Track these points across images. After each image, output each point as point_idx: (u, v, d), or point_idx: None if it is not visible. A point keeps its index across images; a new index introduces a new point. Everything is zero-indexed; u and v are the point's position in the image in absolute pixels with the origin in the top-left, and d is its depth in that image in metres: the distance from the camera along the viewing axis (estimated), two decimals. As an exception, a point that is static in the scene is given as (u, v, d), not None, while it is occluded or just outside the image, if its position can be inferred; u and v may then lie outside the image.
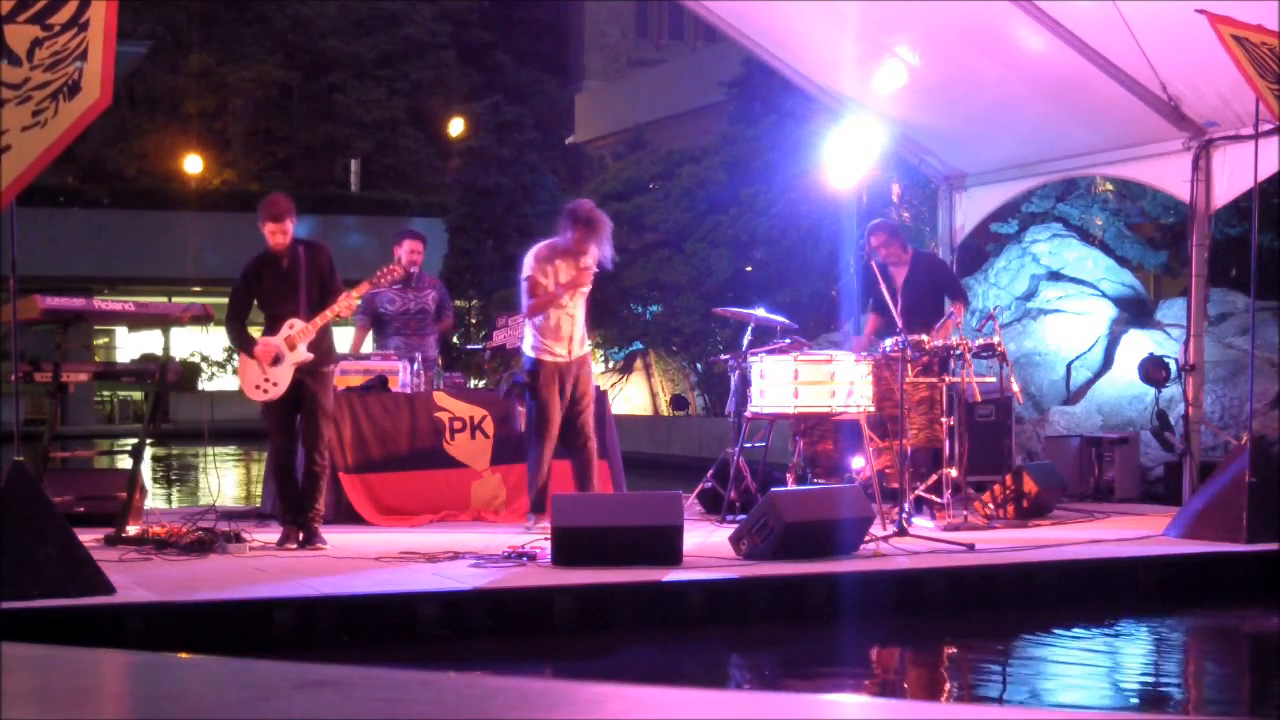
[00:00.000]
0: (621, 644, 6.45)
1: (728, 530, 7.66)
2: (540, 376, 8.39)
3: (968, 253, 12.79)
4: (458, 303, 25.68)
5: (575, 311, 8.47)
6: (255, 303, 7.93)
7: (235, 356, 32.89)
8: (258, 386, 7.74)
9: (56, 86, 5.95)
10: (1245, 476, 7.89)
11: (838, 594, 6.83)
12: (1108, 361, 12.85)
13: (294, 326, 7.71)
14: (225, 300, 8.14)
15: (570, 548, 6.89)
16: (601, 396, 9.94)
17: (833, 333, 15.55)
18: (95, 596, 5.96)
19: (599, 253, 8.47)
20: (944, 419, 8.39)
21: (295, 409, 7.81)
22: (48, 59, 5.92)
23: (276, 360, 7.70)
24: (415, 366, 9.37)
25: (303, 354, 7.71)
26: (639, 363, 22.28)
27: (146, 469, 8.79)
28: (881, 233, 9.34)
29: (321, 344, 7.82)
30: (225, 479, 15.96)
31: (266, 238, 7.76)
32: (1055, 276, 13.60)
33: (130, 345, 31.97)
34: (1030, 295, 13.59)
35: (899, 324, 8.36)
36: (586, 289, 8.52)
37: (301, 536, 7.72)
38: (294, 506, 7.78)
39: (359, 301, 8.24)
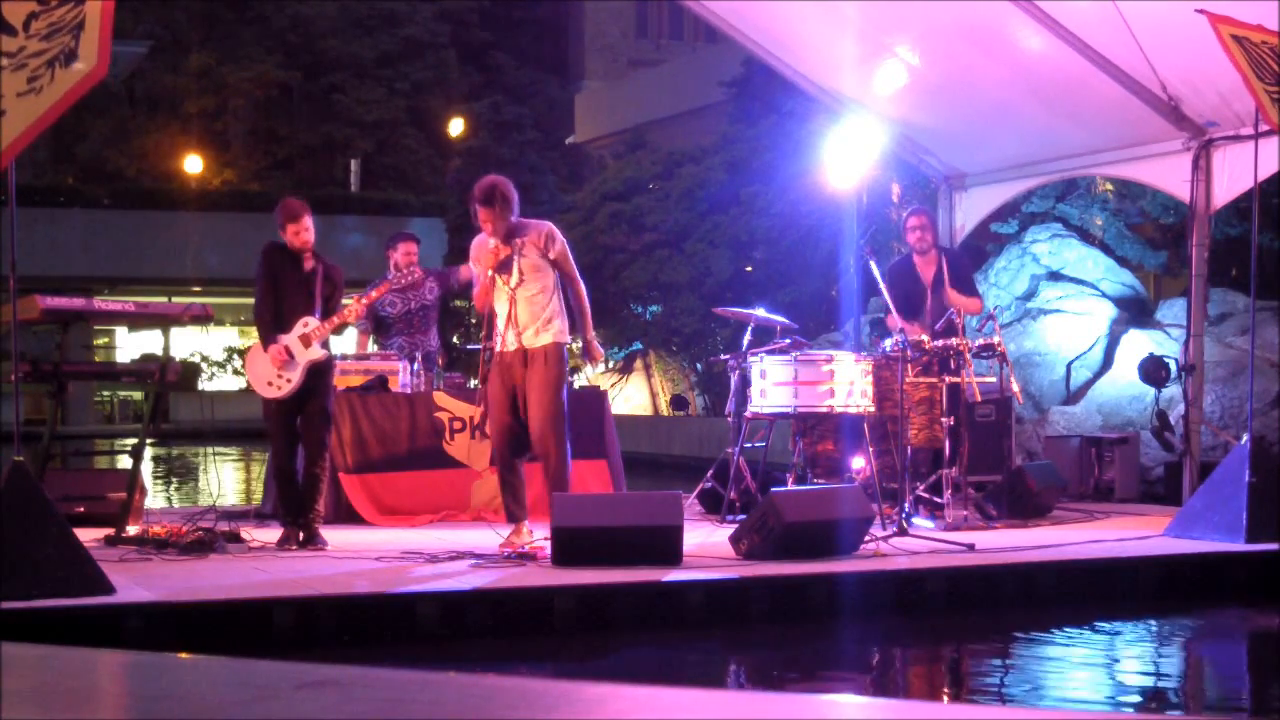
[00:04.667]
0: (621, 644, 6.45)
1: (728, 530, 7.66)
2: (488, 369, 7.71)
3: (968, 253, 12.78)
4: (457, 303, 25.71)
5: (515, 297, 7.50)
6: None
7: (235, 356, 32.85)
8: (270, 383, 7.75)
9: (52, 54, 5.97)
10: (1245, 476, 7.89)
11: (838, 594, 6.83)
12: (1108, 361, 12.85)
13: (308, 325, 7.74)
14: (225, 300, 8.16)
15: (570, 548, 6.89)
16: (602, 396, 9.95)
17: (833, 333, 15.54)
18: (95, 596, 5.96)
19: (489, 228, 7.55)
20: (944, 419, 8.39)
21: (297, 410, 7.83)
22: (44, 29, 5.95)
23: (290, 357, 7.72)
24: (415, 366, 9.38)
25: (318, 351, 7.74)
26: (639, 363, 22.28)
27: (146, 469, 8.79)
28: (921, 216, 9.51)
29: (327, 347, 7.89)
30: (225, 479, 15.96)
31: (290, 239, 7.77)
32: (1055, 276, 13.60)
33: (130, 345, 31.99)
34: (1030, 295, 13.59)
35: (898, 322, 8.37)
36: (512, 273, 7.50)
37: (301, 537, 7.73)
38: (294, 507, 7.79)
39: (368, 303, 8.29)
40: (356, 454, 8.98)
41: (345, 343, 9.14)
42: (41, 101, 5.98)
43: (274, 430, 7.89)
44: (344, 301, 8.02)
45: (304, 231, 7.76)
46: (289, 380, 7.72)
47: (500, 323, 7.56)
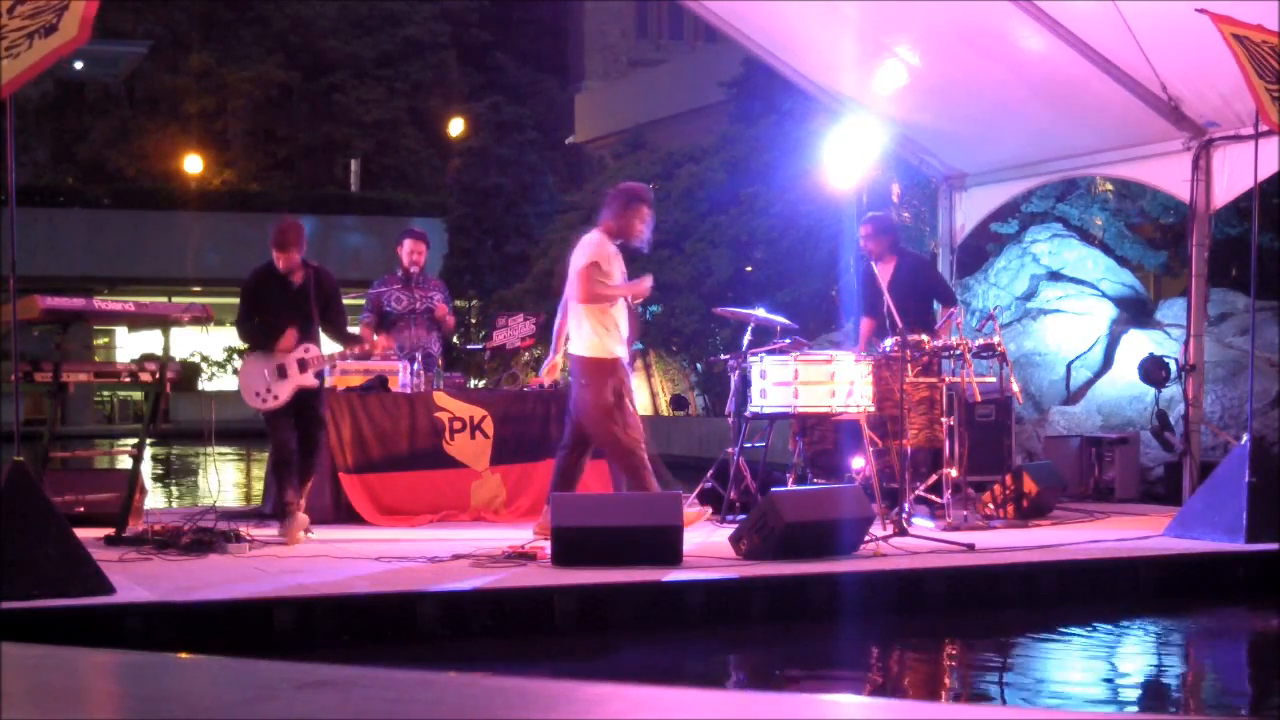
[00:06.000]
0: (621, 644, 6.45)
1: (728, 530, 7.66)
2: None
3: (968, 253, 12.77)
4: (457, 303, 25.69)
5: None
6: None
7: (235, 356, 32.93)
8: (257, 394, 7.97)
9: (33, 29, 6.04)
10: (1245, 476, 7.89)
11: (838, 594, 6.83)
12: (1108, 361, 12.85)
13: (309, 351, 7.98)
14: (225, 300, 8.25)
15: (570, 548, 6.89)
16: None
17: (833, 332, 15.54)
18: (95, 596, 5.96)
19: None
20: (944, 419, 8.39)
21: (294, 413, 8.03)
22: (28, 11, 6.02)
23: (283, 374, 7.93)
24: (415, 366, 9.38)
25: (310, 380, 8.00)
26: (639, 363, 22.27)
27: (146, 469, 8.78)
28: (868, 225, 9.28)
29: (320, 376, 8.16)
30: (225, 479, 15.95)
31: (275, 261, 8.02)
32: (1055, 276, 13.60)
33: (130, 345, 32.00)
34: (1030, 295, 13.59)
35: (899, 324, 8.37)
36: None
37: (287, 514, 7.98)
38: (293, 488, 7.99)
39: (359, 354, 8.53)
40: (356, 454, 8.98)
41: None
42: (16, 65, 6.04)
43: (275, 428, 8.06)
44: (351, 325, 8.26)
45: (283, 260, 7.97)
46: (275, 396, 7.95)
47: (627, 331, 8.10)
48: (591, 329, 7.98)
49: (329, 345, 8.25)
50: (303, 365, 7.95)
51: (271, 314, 7.98)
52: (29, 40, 6.03)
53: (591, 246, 8.00)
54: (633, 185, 8.40)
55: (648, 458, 8.06)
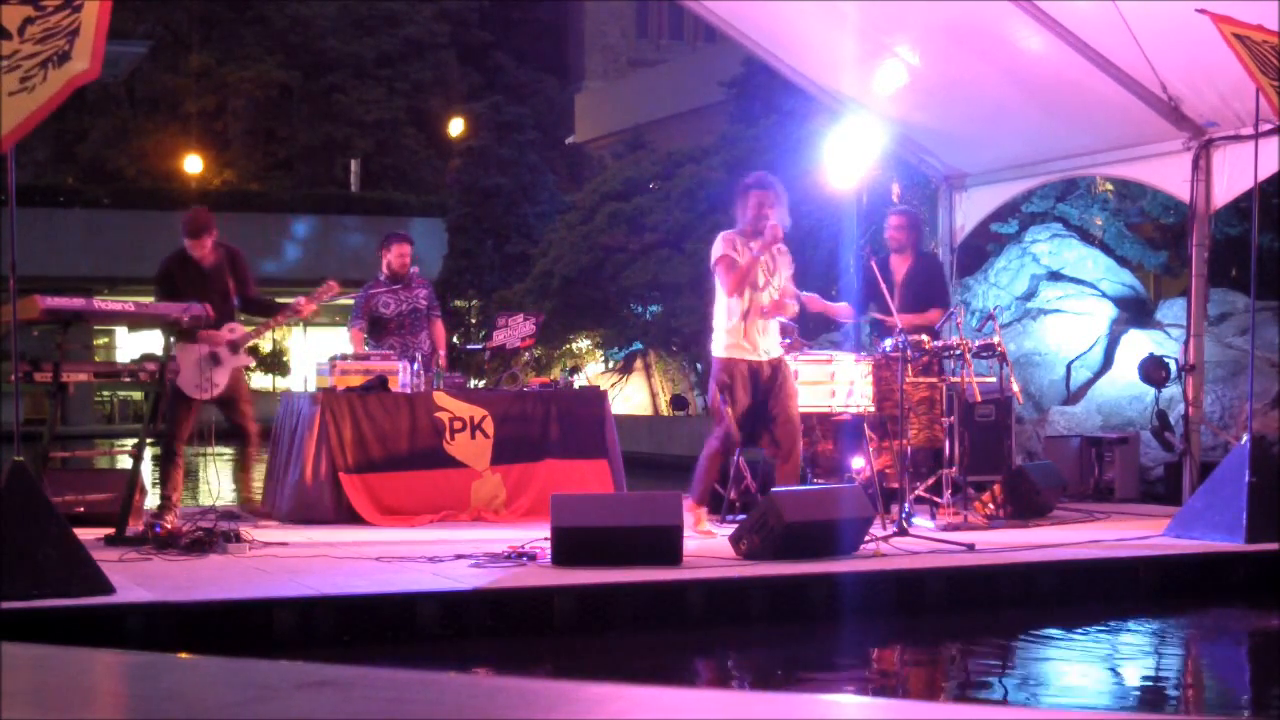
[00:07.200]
0: (621, 644, 6.45)
1: (728, 530, 7.66)
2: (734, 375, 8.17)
3: (968, 253, 12.78)
4: (457, 303, 25.65)
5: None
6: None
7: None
8: (198, 386, 8.22)
9: (46, 56, 6.03)
10: (1245, 476, 7.89)
11: (838, 594, 6.83)
12: (1108, 361, 12.85)
13: (235, 331, 8.26)
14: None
15: (570, 548, 6.89)
16: (602, 396, 9.96)
17: (833, 333, 15.54)
18: (95, 596, 5.96)
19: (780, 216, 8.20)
20: (944, 419, 8.39)
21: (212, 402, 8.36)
22: (38, 34, 6.02)
23: (218, 361, 8.22)
24: (415, 366, 9.39)
25: (242, 359, 8.35)
26: (639, 363, 22.28)
27: (146, 469, 8.80)
28: (901, 216, 9.50)
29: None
30: (225, 479, 15.93)
31: (190, 250, 8.31)
32: (1055, 276, 13.60)
33: (130, 345, 31.97)
34: (1030, 295, 13.59)
35: (897, 323, 8.38)
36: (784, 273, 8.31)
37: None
38: (176, 485, 8.45)
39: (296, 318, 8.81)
40: (357, 454, 8.98)
41: (344, 343, 9.24)
42: (34, 99, 6.04)
43: (178, 418, 8.30)
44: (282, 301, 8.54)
45: (195, 248, 8.26)
46: (216, 385, 8.25)
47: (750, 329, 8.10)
48: (717, 328, 8.18)
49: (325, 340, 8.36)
50: (234, 347, 8.25)
51: (189, 299, 8.09)
52: (43, 70, 6.02)
53: (716, 245, 8.17)
54: (746, 179, 8.43)
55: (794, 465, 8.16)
